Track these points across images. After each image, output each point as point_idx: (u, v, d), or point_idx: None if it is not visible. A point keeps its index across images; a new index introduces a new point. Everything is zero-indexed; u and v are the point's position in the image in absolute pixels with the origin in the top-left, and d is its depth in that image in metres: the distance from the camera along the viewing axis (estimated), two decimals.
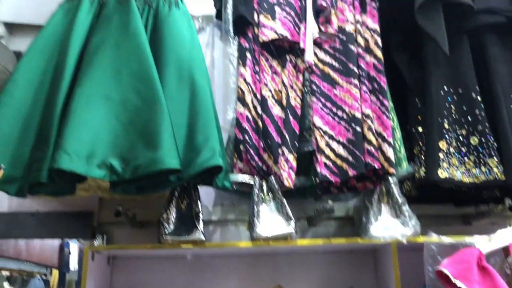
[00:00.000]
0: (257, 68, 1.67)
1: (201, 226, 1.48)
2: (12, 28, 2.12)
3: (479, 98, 1.53)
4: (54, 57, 1.50)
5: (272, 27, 1.63)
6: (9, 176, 1.35)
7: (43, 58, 1.50)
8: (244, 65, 1.66)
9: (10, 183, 1.35)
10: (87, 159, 1.26)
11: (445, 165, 1.46)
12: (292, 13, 1.66)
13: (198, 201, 1.53)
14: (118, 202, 1.71)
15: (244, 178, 1.57)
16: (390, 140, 1.45)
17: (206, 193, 1.78)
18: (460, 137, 1.52)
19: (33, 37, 2.07)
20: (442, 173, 1.45)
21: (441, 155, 1.47)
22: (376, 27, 1.58)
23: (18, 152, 1.37)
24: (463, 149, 1.50)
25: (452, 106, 1.55)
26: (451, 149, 1.49)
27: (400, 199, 1.46)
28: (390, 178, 1.48)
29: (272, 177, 1.52)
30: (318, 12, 1.62)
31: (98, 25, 1.52)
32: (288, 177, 1.48)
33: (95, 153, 1.28)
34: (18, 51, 2.01)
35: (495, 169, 1.44)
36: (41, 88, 1.45)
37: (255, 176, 1.56)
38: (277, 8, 1.66)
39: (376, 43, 1.56)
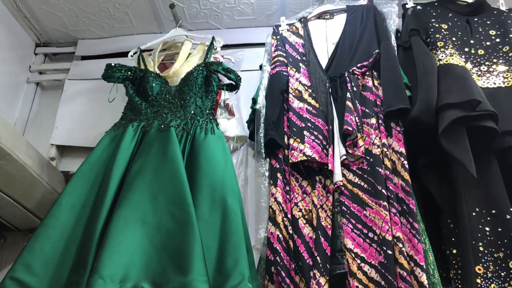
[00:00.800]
0: (287, 188, 1.73)
1: None
2: (63, 150, 2.31)
3: None
4: (98, 182, 1.62)
5: (301, 149, 1.71)
6: None
7: (88, 183, 1.62)
8: (275, 185, 1.72)
9: None
10: (120, 284, 1.30)
11: None
12: (320, 137, 1.74)
13: None
14: None
15: None
16: (423, 264, 1.42)
17: None
18: (498, 260, 1.47)
19: (81, 158, 2.27)
20: None
21: (478, 280, 1.42)
22: (402, 150, 1.63)
23: (57, 275, 1.43)
24: (502, 274, 1.44)
25: (487, 228, 1.52)
26: (489, 274, 1.44)
27: None
28: None
29: None
30: (345, 135, 1.70)
31: (139, 152, 1.65)
32: None
33: (128, 277, 1.32)
34: (67, 171, 2.17)
35: None
36: (84, 211, 1.55)
37: None
38: (305, 132, 1.75)
39: (403, 166, 1.60)
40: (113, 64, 1.94)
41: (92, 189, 1.61)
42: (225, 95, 2.09)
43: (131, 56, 2.18)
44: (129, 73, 1.94)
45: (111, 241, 1.36)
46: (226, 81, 2.02)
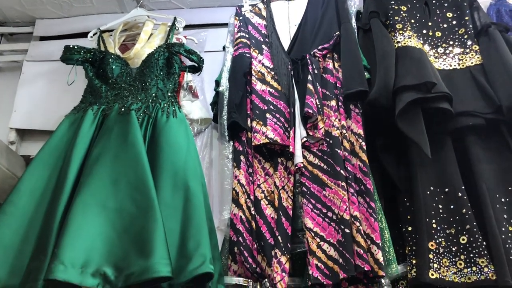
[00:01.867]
0: (250, 170, 1.75)
1: None
2: (24, 134, 2.26)
3: (465, 197, 1.57)
4: (57, 167, 1.60)
5: (263, 132, 1.73)
6: (6, 284, 1.38)
7: (47, 168, 1.60)
8: (239, 167, 1.74)
9: None
10: (82, 268, 1.30)
11: (435, 265, 1.47)
12: (282, 119, 1.76)
13: None
14: None
15: (239, 280, 1.59)
16: (379, 242, 1.47)
17: None
18: (450, 236, 1.54)
19: (42, 142, 2.22)
20: (433, 274, 1.45)
21: (431, 255, 1.49)
22: (361, 131, 1.67)
23: (17, 261, 1.41)
24: (453, 249, 1.51)
25: (440, 206, 1.59)
26: (441, 249, 1.51)
27: None
28: (382, 280, 1.48)
29: (266, 280, 1.54)
30: (306, 118, 1.72)
31: (99, 136, 1.63)
32: (281, 280, 1.49)
33: (89, 262, 1.32)
34: (27, 155, 2.13)
35: (485, 269, 1.45)
36: (43, 197, 1.53)
37: (250, 278, 1.58)
38: (268, 115, 1.77)
39: (361, 147, 1.64)
40: (71, 46, 1.90)
41: (52, 174, 1.59)
42: (188, 77, 2.08)
43: (91, 37, 2.13)
44: (89, 55, 1.90)
45: (71, 227, 1.35)
46: (188, 62, 2.00)
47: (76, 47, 1.89)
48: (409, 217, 1.62)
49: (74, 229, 1.35)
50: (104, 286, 1.31)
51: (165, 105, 1.76)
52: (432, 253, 1.50)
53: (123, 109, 1.70)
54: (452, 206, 1.59)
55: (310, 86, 1.76)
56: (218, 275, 1.53)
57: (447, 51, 1.87)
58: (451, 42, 1.89)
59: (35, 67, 2.36)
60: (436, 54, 1.87)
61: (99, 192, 1.45)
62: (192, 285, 1.49)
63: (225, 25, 2.28)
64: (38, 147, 2.18)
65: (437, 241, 1.52)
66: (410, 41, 1.78)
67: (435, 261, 1.48)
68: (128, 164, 1.51)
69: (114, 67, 1.87)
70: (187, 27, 2.26)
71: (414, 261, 1.53)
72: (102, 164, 1.52)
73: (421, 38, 1.90)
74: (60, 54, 1.95)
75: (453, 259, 1.50)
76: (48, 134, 2.19)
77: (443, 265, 1.48)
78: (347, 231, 1.49)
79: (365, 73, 1.75)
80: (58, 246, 1.31)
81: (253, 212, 1.66)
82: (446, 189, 1.61)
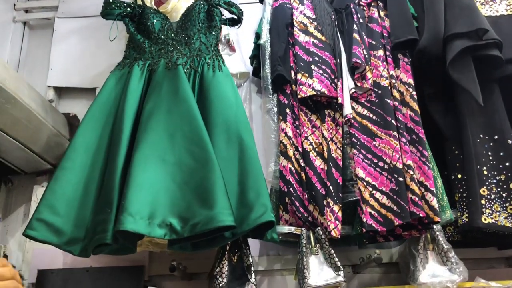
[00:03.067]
0: (297, 123, 1.76)
1: (253, 278, 1.54)
2: (61, 91, 2.27)
3: None
4: (109, 123, 1.61)
5: (309, 84, 1.72)
6: (72, 236, 1.43)
7: (99, 125, 1.61)
8: (285, 120, 1.74)
9: (74, 243, 1.43)
10: (149, 220, 1.34)
11: (487, 211, 1.51)
12: (328, 71, 1.76)
13: (249, 254, 1.58)
14: (168, 255, 1.79)
15: (291, 229, 1.63)
16: (433, 189, 1.50)
17: (251, 244, 1.82)
18: (500, 182, 1.56)
19: (79, 99, 2.24)
20: (486, 219, 1.49)
21: (483, 201, 1.52)
22: (410, 81, 1.66)
23: (80, 214, 1.46)
24: (504, 194, 1.54)
25: (490, 153, 1.60)
26: (492, 195, 1.53)
27: (446, 246, 1.50)
28: (434, 225, 1.52)
29: (319, 228, 1.58)
30: (353, 68, 1.71)
31: (149, 91, 1.64)
32: (335, 228, 1.53)
33: (155, 214, 1.36)
34: (67, 113, 2.15)
35: None
36: (98, 153, 1.55)
37: (302, 227, 1.62)
38: (313, 66, 1.76)
39: (411, 96, 1.64)
40: (111, 0, 1.87)
41: (105, 130, 1.61)
42: (227, 30, 2.05)
43: None
44: (128, 9, 1.88)
45: (135, 180, 1.38)
46: (227, 15, 1.97)
47: (116, 1, 1.86)
48: (458, 164, 1.64)
49: (137, 183, 1.38)
50: (171, 236, 1.35)
51: (209, 59, 1.75)
52: (484, 199, 1.52)
53: (170, 64, 1.70)
54: (501, 153, 1.60)
55: (356, 35, 1.74)
56: None
57: None
58: None
59: (67, 24, 2.34)
60: (482, 0, 1.83)
61: (157, 146, 1.47)
62: (249, 234, 1.55)
63: None
64: (77, 104, 2.23)
65: (488, 187, 1.55)
66: None
67: (487, 207, 1.51)
68: (182, 118, 1.52)
69: (155, 21, 1.84)
70: None
71: (465, 208, 1.56)
72: (157, 119, 1.53)
73: None
74: (92, 10, 1.94)
75: (504, 205, 1.53)
76: (85, 91, 2.23)
77: (494, 210, 1.52)
78: (401, 179, 1.52)
79: (413, 21, 1.72)
80: (125, 199, 1.34)
81: (302, 164, 1.68)
82: (496, 137, 1.63)
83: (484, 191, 1.54)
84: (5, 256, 1.85)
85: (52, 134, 1.92)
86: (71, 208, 1.46)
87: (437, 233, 1.52)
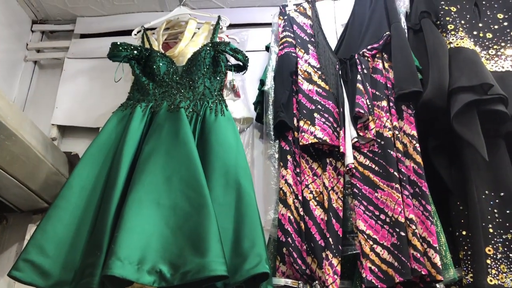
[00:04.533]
0: (298, 170, 1.73)
1: None
2: (65, 130, 2.27)
3: None
4: (107, 163, 1.60)
5: (311, 132, 1.71)
6: (60, 279, 1.39)
7: (97, 165, 1.60)
8: (286, 167, 1.71)
9: (61, 286, 1.38)
10: (138, 265, 1.29)
11: (493, 271, 1.44)
12: (331, 119, 1.74)
13: None
14: None
15: (287, 282, 1.56)
16: (436, 245, 1.44)
17: None
18: (506, 242, 1.50)
19: (83, 139, 2.24)
20: (492, 281, 1.42)
21: (488, 261, 1.45)
22: (414, 133, 1.64)
23: (70, 256, 1.42)
24: (511, 255, 1.47)
25: (495, 210, 1.55)
26: (498, 255, 1.47)
27: None
28: (437, 285, 1.45)
29: (317, 282, 1.51)
30: (356, 118, 1.70)
31: (150, 133, 1.63)
32: (333, 283, 1.47)
33: (145, 259, 1.31)
34: (68, 151, 2.14)
35: None
36: (94, 193, 1.53)
37: (299, 280, 1.56)
38: (316, 114, 1.74)
39: (415, 148, 1.61)
40: (118, 43, 1.90)
41: (102, 171, 1.59)
42: (232, 76, 2.07)
43: (135, 34, 2.14)
44: (135, 52, 1.90)
45: (127, 223, 1.34)
46: (232, 61, 2.00)
47: (123, 44, 1.89)
48: (462, 221, 1.58)
49: (129, 226, 1.34)
50: (160, 284, 1.30)
51: (212, 103, 1.75)
52: (489, 258, 1.46)
53: (172, 107, 1.70)
54: (508, 211, 1.55)
55: (359, 86, 1.73)
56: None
57: (499, 53, 1.83)
58: (502, 44, 1.85)
59: (76, 64, 2.37)
60: (488, 56, 1.83)
61: (153, 189, 1.44)
62: (243, 285, 1.48)
63: (265, 24, 2.28)
64: (79, 143, 2.23)
65: (494, 246, 1.48)
66: (463, 42, 1.74)
67: (493, 267, 1.44)
68: (180, 161, 1.51)
69: (161, 64, 1.87)
70: (229, 26, 2.25)
71: (470, 267, 1.49)
72: (155, 161, 1.51)
73: (472, 40, 1.86)
74: (101, 52, 1.96)
75: (511, 266, 1.46)
76: (89, 131, 2.23)
77: (501, 271, 1.44)
78: (403, 234, 1.47)
79: (418, 74, 1.71)
80: (114, 243, 1.30)
81: (301, 213, 1.64)
82: (502, 193, 1.58)
83: (489, 250, 1.47)
84: None
85: (51, 172, 1.90)
86: (61, 249, 1.43)
87: None
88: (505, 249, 1.49)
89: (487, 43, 1.86)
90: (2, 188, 1.82)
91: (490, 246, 1.48)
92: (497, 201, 1.57)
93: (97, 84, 2.29)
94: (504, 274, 1.44)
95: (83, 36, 2.48)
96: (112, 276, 1.25)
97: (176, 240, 1.36)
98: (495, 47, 1.85)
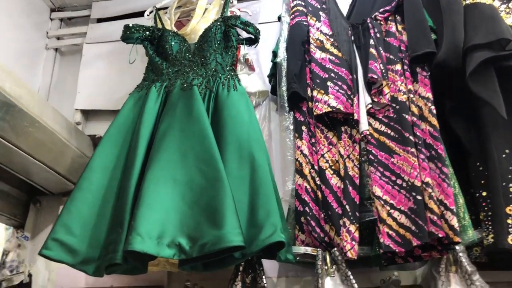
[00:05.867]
0: (313, 140, 1.73)
1: None
2: (88, 114, 2.34)
3: None
4: (126, 143, 1.65)
5: (325, 101, 1.70)
6: (87, 256, 1.45)
7: (116, 145, 1.65)
8: (301, 138, 1.72)
9: (88, 263, 1.45)
10: (158, 240, 1.34)
11: None
12: (344, 87, 1.72)
13: (263, 275, 1.55)
14: (186, 275, 1.79)
15: (307, 250, 1.59)
16: (453, 207, 1.43)
17: (270, 265, 1.81)
18: None
19: (106, 121, 2.30)
20: None
21: (509, 221, 1.42)
22: (429, 95, 1.60)
23: (95, 234, 1.48)
24: None
25: None
26: None
27: (470, 268, 1.41)
28: (457, 246, 1.44)
29: (335, 249, 1.53)
30: (370, 84, 1.67)
31: (165, 112, 1.66)
32: (352, 249, 1.48)
33: (165, 234, 1.36)
34: (93, 134, 2.21)
35: None
36: (115, 173, 1.58)
37: (318, 247, 1.58)
38: (329, 83, 1.73)
39: (430, 111, 1.58)
40: (131, 25, 1.93)
41: (121, 151, 1.64)
42: (244, 50, 2.07)
43: (147, 15, 2.15)
44: (148, 33, 1.93)
45: (145, 200, 1.39)
46: (244, 35, 1.99)
47: (135, 25, 1.92)
48: (482, 181, 1.55)
49: (148, 203, 1.39)
50: (180, 256, 1.35)
51: (225, 79, 1.76)
52: (510, 218, 1.43)
53: (185, 85, 1.72)
54: None
55: (372, 50, 1.70)
56: (287, 245, 1.53)
57: None
58: None
59: (95, 49, 2.42)
60: (508, 10, 1.75)
61: (169, 166, 1.48)
62: (262, 254, 1.52)
63: None
64: (102, 126, 2.28)
65: None
66: None
67: None
68: (194, 138, 1.53)
69: (173, 43, 1.88)
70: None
71: (490, 227, 1.47)
72: (170, 139, 1.55)
73: None
74: (118, 35, 1.98)
75: None
76: (110, 113, 2.28)
77: None
78: (419, 197, 1.45)
79: (432, 34, 1.66)
80: (134, 219, 1.35)
81: (318, 182, 1.65)
82: None
83: (510, 210, 1.44)
84: (30, 275, 1.90)
85: (76, 155, 1.98)
86: (86, 228, 1.49)
87: (460, 254, 1.44)
88: None
89: None
90: (32, 173, 1.91)
91: (511, 206, 1.45)
92: None
93: (115, 67, 2.33)
94: None
95: (99, 20, 2.52)
96: (133, 251, 1.30)
97: (193, 214, 1.40)
98: None
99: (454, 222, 1.40)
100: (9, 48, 2.23)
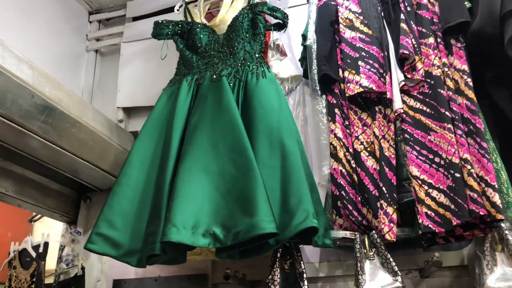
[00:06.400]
0: (346, 123, 1.70)
1: (305, 286, 1.50)
2: (130, 111, 2.41)
3: None
4: (161, 137, 1.69)
5: (357, 81, 1.66)
6: (129, 249, 1.51)
7: (153, 140, 1.69)
8: (334, 121, 1.69)
9: (131, 255, 1.51)
10: (193, 230, 1.37)
11: None
12: (376, 65, 1.67)
13: (301, 261, 1.55)
14: (228, 264, 1.82)
15: (346, 234, 1.57)
16: (495, 184, 1.36)
17: (312, 250, 1.81)
18: None
19: (147, 117, 2.36)
20: None
21: None
22: (465, 67, 1.53)
23: (136, 227, 1.53)
24: None
25: None
26: None
27: None
28: (502, 224, 1.37)
29: (374, 232, 1.51)
30: (402, 60, 1.61)
31: (195, 105, 1.69)
32: (390, 231, 1.45)
33: (199, 224, 1.39)
34: (136, 131, 2.28)
35: None
36: (152, 167, 1.63)
37: (356, 231, 1.56)
38: (360, 62, 1.68)
39: (466, 84, 1.50)
40: (160, 21, 1.96)
41: (158, 146, 1.68)
42: (274, 35, 2.04)
43: (177, 10, 2.18)
44: (177, 27, 1.95)
45: (180, 192, 1.42)
46: (273, 21, 1.97)
47: (164, 21, 1.95)
48: None
49: (182, 194, 1.42)
50: (215, 245, 1.38)
51: (253, 66, 1.75)
52: None
53: (214, 76, 1.73)
54: None
55: (403, 25, 1.64)
56: (324, 229, 1.53)
57: None
58: None
59: (132, 47, 2.49)
60: None
61: (201, 158, 1.50)
62: (299, 240, 1.52)
63: None
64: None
65: None
66: None
67: None
68: (224, 128, 1.55)
69: (202, 36, 1.90)
70: None
71: None
72: (201, 131, 1.57)
73: None
74: (151, 32, 2.02)
75: None
76: (151, 110, 2.33)
77: None
78: (458, 175, 1.40)
79: (466, 3, 1.58)
80: (170, 211, 1.39)
81: (353, 165, 1.62)
82: None
83: None
84: (83, 268, 2.00)
85: (119, 152, 2.05)
86: (128, 221, 1.55)
87: (506, 232, 1.37)
88: None
89: None
90: (78, 171, 2.01)
91: None
92: None
93: (152, 63, 2.38)
94: None
95: (135, 19, 2.59)
96: (169, 241, 1.34)
97: (227, 203, 1.42)
98: None
99: (496, 199, 1.33)
100: (52, 54, 2.33)
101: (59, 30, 2.41)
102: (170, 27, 1.95)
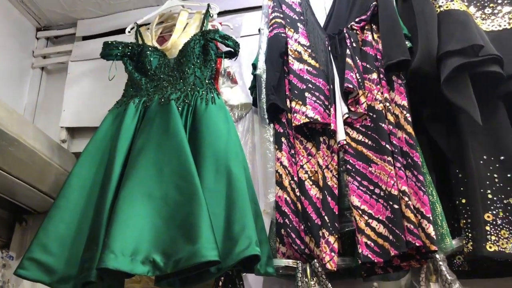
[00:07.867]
0: (292, 151, 1.73)
1: None
2: (74, 132, 2.34)
3: None
4: (104, 159, 1.65)
5: (303, 112, 1.70)
6: (64, 275, 1.45)
7: (95, 162, 1.65)
8: (280, 149, 1.72)
9: (66, 282, 1.44)
10: (131, 256, 1.33)
11: (493, 238, 1.39)
12: (322, 97, 1.72)
13: None
14: None
15: (288, 262, 1.57)
16: (429, 215, 1.41)
17: (254, 278, 1.80)
18: (508, 206, 1.45)
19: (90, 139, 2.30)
20: (491, 247, 1.38)
21: (487, 227, 1.41)
22: (405, 103, 1.60)
23: (73, 252, 1.47)
24: None
25: (495, 175, 1.50)
26: (498, 221, 1.42)
27: (450, 277, 1.39)
28: (436, 255, 1.42)
29: (316, 261, 1.52)
30: (346, 93, 1.67)
31: (142, 127, 1.66)
32: (331, 260, 1.47)
33: (139, 250, 1.35)
34: (79, 152, 2.20)
35: None
36: (92, 190, 1.58)
37: (299, 259, 1.56)
38: (307, 94, 1.73)
39: (405, 119, 1.57)
40: (110, 42, 1.94)
41: (99, 168, 1.64)
42: (225, 63, 2.07)
43: (129, 31, 2.17)
44: (127, 49, 1.94)
45: (119, 217, 1.38)
46: (225, 48, 1.99)
47: (114, 42, 1.93)
48: (462, 188, 1.54)
49: (122, 219, 1.38)
50: (154, 273, 1.34)
51: (203, 92, 1.76)
52: (489, 225, 1.42)
53: (163, 100, 1.72)
54: (509, 175, 1.49)
55: (349, 60, 1.70)
56: (267, 257, 1.52)
57: (496, 11, 1.75)
58: (499, 1, 1.77)
59: (80, 67, 2.44)
60: (484, 16, 1.75)
61: (144, 182, 1.47)
62: (241, 269, 1.51)
63: (260, 7, 2.25)
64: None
65: (494, 212, 1.44)
66: (453, 4, 1.67)
67: (492, 233, 1.40)
68: (171, 153, 1.53)
69: (152, 59, 1.89)
70: (223, 13, 2.26)
71: (470, 235, 1.45)
72: (146, 154, 1.54)
73: (465, 0, 1.78)
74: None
75: None
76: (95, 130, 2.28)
77: (501, 237, 1.40)
78: (396, 206, 1.44)
79: (406, 42, 1.66)
80: (108, 236, 1.35)
81: (297, 194, 1.64)
82: (502, 157, 1.52)
83: (488, 217, 1.43)
84: None
85: (59, 173, 1.98)
86: (64, 246, 1.49)
87: (440, 263, 1.42)
88: (507, 214, 1.44)
89: (482, 2, 1.79)
90: (15, 192, 1.92)
91: (489, 212, 1.44)
92: (497, 165, 1.52)
93: (100, 84, 2.34)
94: (505, 240, 1.40)
95: (85, 38, 2.54)
96: (106, 268, 1.29)
97: (169, 230, 1.39)
98: (491, 5, 1.78)
99: (431, 230, 1.38)
100: None
101: (4, 44, 2.33)
102: (120, 48, 1.93)
